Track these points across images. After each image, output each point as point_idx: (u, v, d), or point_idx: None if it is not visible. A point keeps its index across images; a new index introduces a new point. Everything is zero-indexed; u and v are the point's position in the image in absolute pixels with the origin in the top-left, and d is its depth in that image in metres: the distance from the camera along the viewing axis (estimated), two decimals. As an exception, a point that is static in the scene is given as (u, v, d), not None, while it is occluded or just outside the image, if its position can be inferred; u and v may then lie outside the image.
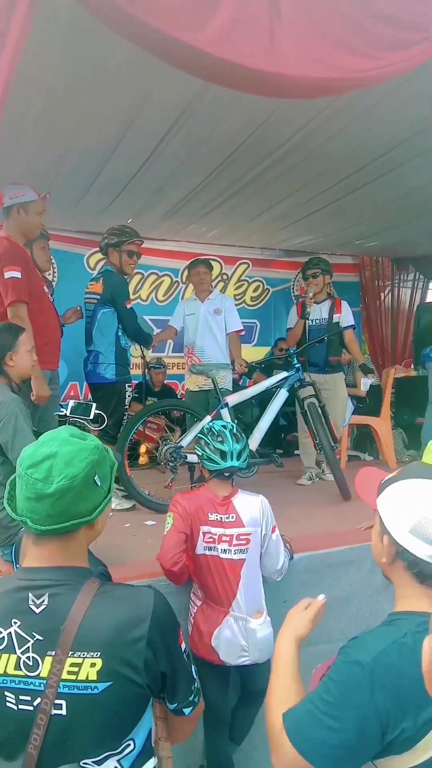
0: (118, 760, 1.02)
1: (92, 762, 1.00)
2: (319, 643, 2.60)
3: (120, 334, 3.67)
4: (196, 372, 4.09)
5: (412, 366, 6.70)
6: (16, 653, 1.00)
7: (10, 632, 1.01)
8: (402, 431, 5.91)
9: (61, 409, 2.26)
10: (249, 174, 3.98)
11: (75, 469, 1.04)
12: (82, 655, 0.99)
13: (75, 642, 0.99)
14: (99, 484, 1.08)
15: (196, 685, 1.18)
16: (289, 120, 3.19)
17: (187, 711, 1.16)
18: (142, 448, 4.82)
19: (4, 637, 1.01)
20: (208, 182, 4.10)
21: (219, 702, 2.27)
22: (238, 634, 2.21)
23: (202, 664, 2.14)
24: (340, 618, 2.72)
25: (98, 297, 3.65)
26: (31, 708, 0.99)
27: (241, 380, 5.47)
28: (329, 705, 0.96)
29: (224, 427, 2.42)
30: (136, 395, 4.36)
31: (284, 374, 3.96)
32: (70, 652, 0.99)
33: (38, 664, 1.00)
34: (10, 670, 1.00)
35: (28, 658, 1.00)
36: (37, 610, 1.02)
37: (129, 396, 3.74)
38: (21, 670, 1.00)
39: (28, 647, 1.00)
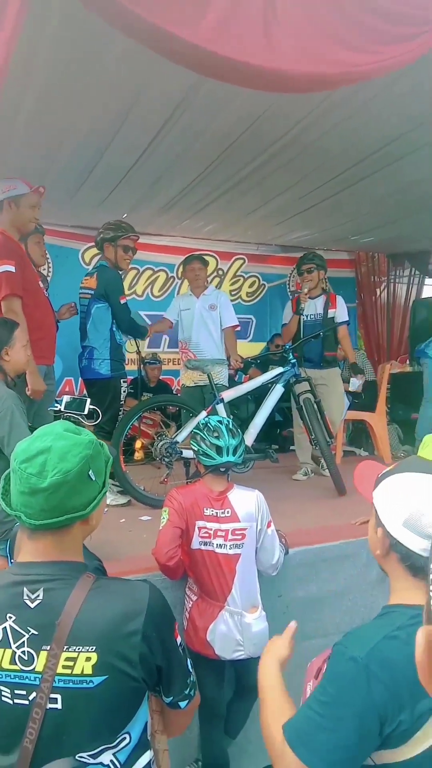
0: (114, 754, 1.03)
1: (88, 755, 1.01)
2: (314, 638, 2.63)
3: (115, 329, 3.66)
4: (191, 367, 4.08)
5: (408, 362, 6.71)
6: (11, 648, 1.00)
7: (5, 627, 1.01)
8: (397, 427, 5.92)
9: (56, 405, 2.25)
10: (245, 169, 3.97)
11: (69, 463, 1.04)
12: (77, 650, 0.99)
13: (70, 636, 0.99)
14: (93, 479, 1.08)
15: (191, 679, 1.18)
16: (286, 114, 3.18)
17: (182, 704, 1.17)
18: (138, 444, 4.82)
19: None
20: (204, 177, 4.09)
21: (214, 696, 2.28)
22: (234, 629, 2.21)
23: (198, 659, 2.14)
24: (335, 612, 2.73)
25: (92, 292, 3.64)
26: (26, 702, 0.99)
27: (237, 376, 5.48)
28: (327, 706, 0.96)
29: (220, 422, 2.42)
30: (132, 391, 4.35)
31: (280, 370, 3.96)
32: (65, 647, 0.99)
33: (33, 659, 1.00)
34: (6, 665, 1.00)
35: (23, 652, 1.00)
36: (32, 605, 1.02)
37: (124, 391, 3.73)
38: (16, 664, 1.00)
39: (23, 642, 1.00)
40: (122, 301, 3.66)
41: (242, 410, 5.24)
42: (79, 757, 1.00)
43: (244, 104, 3.02)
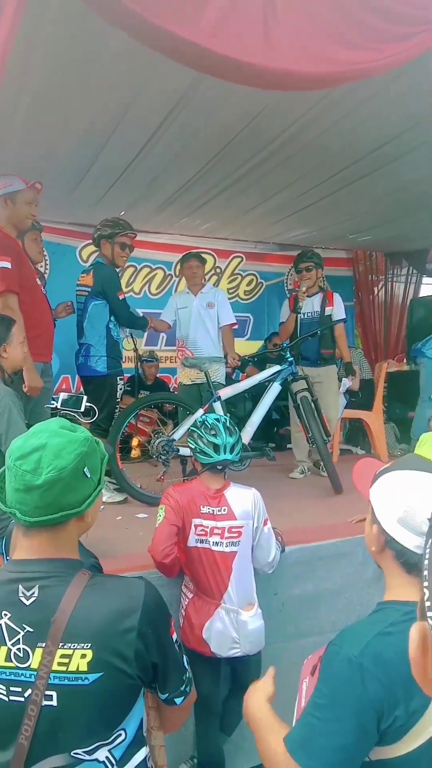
0: (109, 750, 1.03)
1: (83, 752, 1.01)
2: (310, 635, 2.64)
3: (111, 326, 3.65)
4: (188, 365, 4.08)
5: (405, 360, 6.73)
6: (6, 645, 1.01)
7: (1, 624, 1.01)
8: (394, 425, 5.94)
9: (52, 402, 2.24)
10: (243, 167, 3.96)
11: (64, 460, 1.04)
12: (72, 647, 0.99)
13: (65, 633, 1.00)
14: (89, 476, 1.08)
15: (187, 675, 1.19)
16: (284, 112, 3.18)
17: (178, 701, 1.17)
18: (135, 442, 4.82)
19: None
20: (202, 174, 4.08)
21: (210, 693, 2.28)
22: (230, 626, 2.22)
23: (193, 656, 2.15)
24: (332, 610, 2.74)
25: (89, 289, 3.63)
26: (22, 699, 0.99)
27: (234, 374, 5.48)
28: (324, 708, 0.96)
29: (217, 420, 2.42)
30: (129, 388, 4.35)
31: (277, 368, 3.96)
32: (61, 644, 0.99)
33: (29, 656, 1.00)
34: (1, 662, 1.00)
35: (18, 649, 1.00)
36: (27, 602, 1.02)
37: (121, 389, 3.73)
38: (12, 661, 1.00)
39: (19, 639, 1.01)
40: (120, 297, 3.66)
41: (239, 408, 5.25)
42: (75, 753, 1.00)
43: (243, 102, 3.01)
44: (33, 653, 1.00)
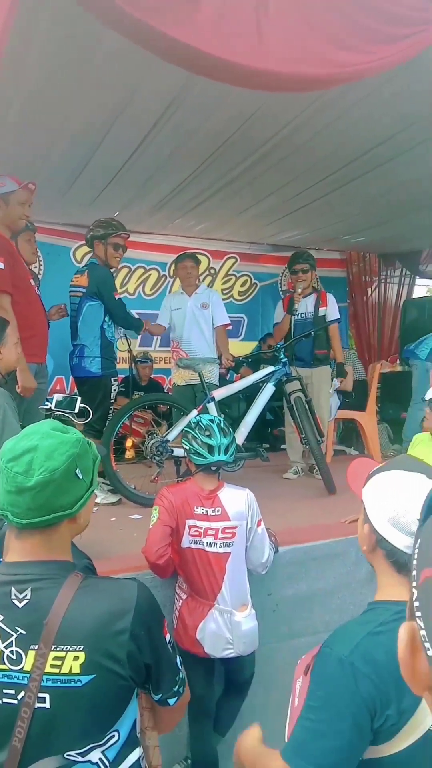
0: (103, 752, 1.03)
1: (76, 754, 1.01)
2: (303, 636, 2.65)
3: (105, 327, 3.65)
4: (182, 366, 4.08)
5: (398, 361, 6.76)
6: None
7: None
8: (387, 426, 5.96)
9: (46, 403, 2.24)
10: (237, 168, 3.97)
11: (55, 462, 1.04)
12: (65, 649, 0.99)
13: (58, 636, 0.99)
14: (81, 477, 1.08)
15: (180, 676, 1.19)
16: (277, 114, 3.19)
17: (171, 701, 1.17)
18: (129, 442, 4.82)
19: None
20: (196, 175, 4.09)
21: (204, 694, 2.28)
22: (223, 627, 2.22)
23: (187, 657, 2.14)
24: (325, 610, 2.75)
25: (83, 290, 3.62)
26: (15, 701, 0.99)
27: (228, 375, 5.48)
28: (318, 710, 0.97)
29: (212, 421, 2.42)
30: (123, 389, 4.34)
31: (271, 369, 3.97)
32: (53, 646, 0.99)
33: (22, 658, 1.00)
34: None
35: (11, 652, 1.00)
36: (20, 605, 1.02)
37: (115, 390, 3.72)
38: (5, 664, 1.00)
39: (12, 641, 1.00)
40: (116, 297, 3.66)
41: (233, 409, 5.25)
42: (68, 755, 1.00)
43: (236, 103, 3.02)
44: (26, 656, 1.00)
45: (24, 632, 1.00)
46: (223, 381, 4.83)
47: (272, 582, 2.61)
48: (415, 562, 0.48)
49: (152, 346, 6.04)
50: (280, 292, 6.70)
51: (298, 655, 1.20)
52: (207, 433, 2.35)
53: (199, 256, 4.93)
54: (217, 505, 2.28)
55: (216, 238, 6.17)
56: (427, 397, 2.93)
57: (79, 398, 2.26)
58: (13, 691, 0.99)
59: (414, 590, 0.47)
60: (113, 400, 3.72)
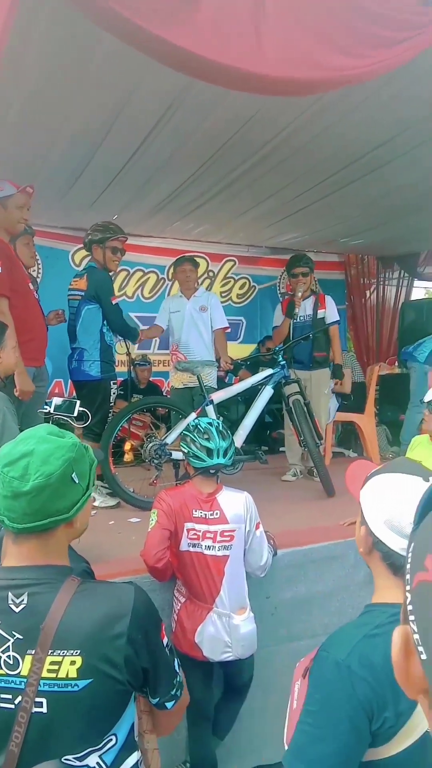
0: (100, 756, 1.03)
1: (74, 758, 1.01)
2: (302, 639, 2.64)
3: (105, 330, 3.65)
4: (181, 369, 4.08)
5: (396, 364, 6.76)
6: None
7: None
8: (386, 428, 5.96)
9: (45, 407, 2.24)
10: (236, 170, 3.98)
11: (51, 466, 1.04)
12: (62, 654, 1.00)
13: (54, 640, 1.00)
14: (77, 482, 1.08)
15: (178, 679, 1.19)
16: (276, 117, 3.20)
17: (169, 705, 1.17)
18: (127, 446, 4.81)
19: None
20: (195, 178, 4.09)
21: (202, 697, 2.28)
22: (222, 630, 2.22)
23: (186, 660, 2.14)
24: (324, 613, 2.75)
25: (82, 293, 3.62)
26: (12, 706, 0.99)
27: (227, 377, 5.48)
28: (316, 714, 0.97)
29: (210, 424, 2.42)
30: (122, 392, 4.34)
31: (269, 371, 3.97)
32: (50, 651, 0.99)
33: (19, 663, 1.00)
34: None
35: (8, 657, 1.00)
36: (17, 610, 1.02)
37: (114, 393, 3.72)
38: (2, 668, 1.00)
39: (8, 646, 1.01)
40: (113, 302, 3.66)
41: (232, 412, 5.25)
42: (65, 759, 1.00)
43: (235, 106, 3.03)
44: (23, 660, 1.00)
45: (21, 637, 1.00)
46: (222, 384, 4.83)
47: (271, 585, 2.60)
48: (408, 565, 0.48)
49: (151, 349, 6.04)
50: (279, 295, 6.71)
51: (297, 658, 1.19)
52: (206, 436, 2.35)
53: (198, 259, 4.94)
54: (216, 508, 2.28)
55: (214, 241, 6.17)
56: (426, 399, 2.93)
57: (78, 402, 2.26)
58: (10, 696, 1.00)
59: (408, 594, 0.47)
60: (113, 404, 3.72)
